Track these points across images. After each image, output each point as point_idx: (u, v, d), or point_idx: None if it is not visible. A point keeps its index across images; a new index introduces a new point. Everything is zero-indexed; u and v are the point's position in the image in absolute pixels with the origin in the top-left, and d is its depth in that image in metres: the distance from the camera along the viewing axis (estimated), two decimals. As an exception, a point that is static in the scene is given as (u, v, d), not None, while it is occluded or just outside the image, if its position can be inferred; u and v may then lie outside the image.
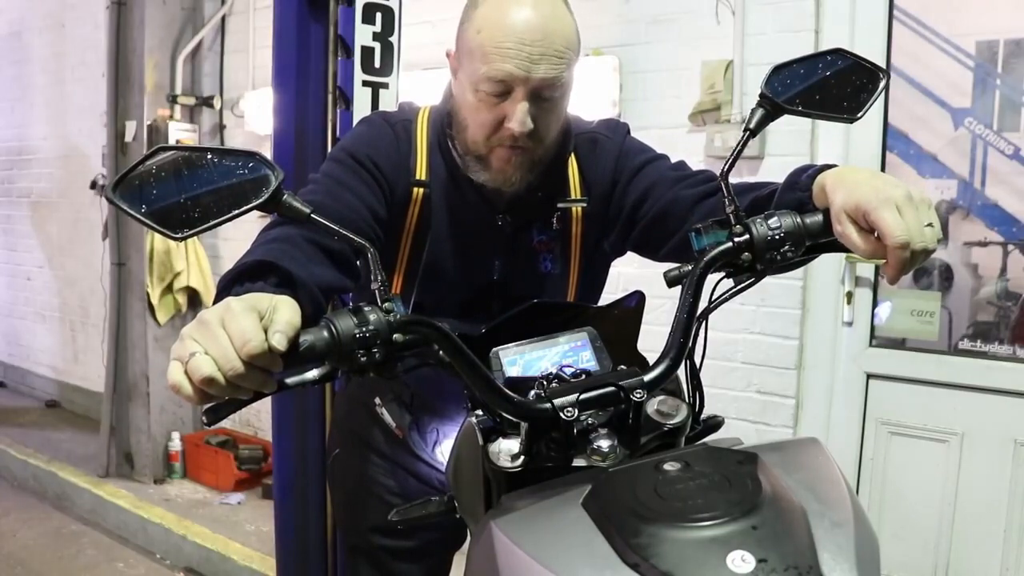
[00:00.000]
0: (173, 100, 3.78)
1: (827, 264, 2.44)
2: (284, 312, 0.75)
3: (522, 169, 1.21)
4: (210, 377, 0.71)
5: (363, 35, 2.05)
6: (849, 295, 2.44)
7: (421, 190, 1.27)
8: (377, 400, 1.42)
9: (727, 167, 0.97)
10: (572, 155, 1.31)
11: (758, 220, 0.94)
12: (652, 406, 0.89)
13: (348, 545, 1.57)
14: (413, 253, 1.30)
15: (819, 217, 0.94)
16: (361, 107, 2.06)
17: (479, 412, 0.90)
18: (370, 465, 1.45)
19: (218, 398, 0.74)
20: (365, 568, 1.47)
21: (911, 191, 0.89)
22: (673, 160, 1.34)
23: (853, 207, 0.88)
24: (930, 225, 0.88)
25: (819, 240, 0.95)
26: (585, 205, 1.32)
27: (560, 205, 1.31)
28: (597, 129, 1.34)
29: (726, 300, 0.99)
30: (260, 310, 0.74)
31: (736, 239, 0.94)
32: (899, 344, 2.44)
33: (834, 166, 1.00)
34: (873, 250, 0.89)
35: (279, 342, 0.73)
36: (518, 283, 1.31)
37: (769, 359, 2.55)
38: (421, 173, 1.28)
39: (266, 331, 0.73)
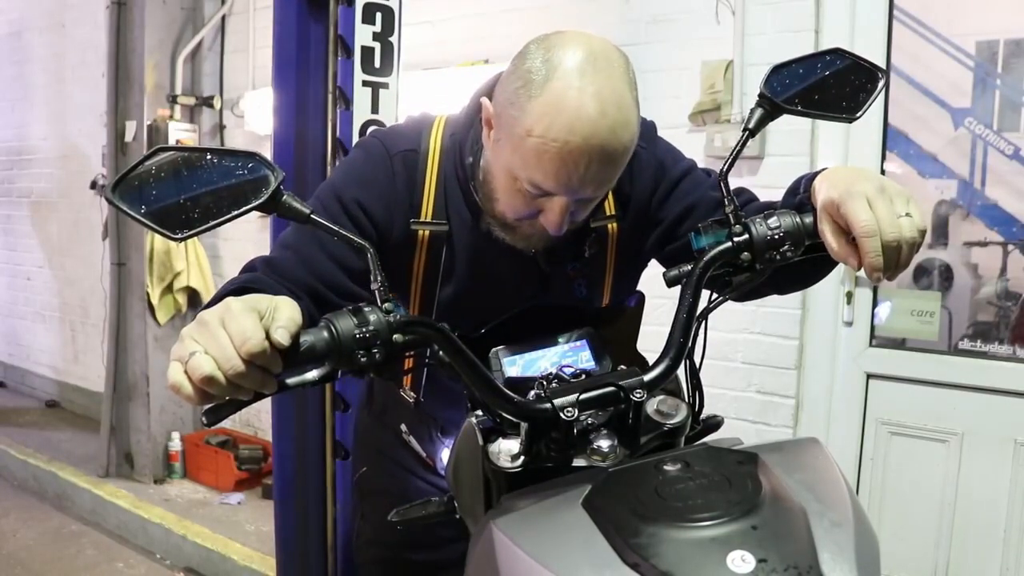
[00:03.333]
0: (173, 100, 3.78)
1: (827, 264, 2.44)
2: (285, 310, 0.75)
3: (551, 239, 1.13)
4: (210, 376, 0.70)
5: (363, 35, 2.05)
6: (849, 295, 2.44)
7: (427, 231, 1.18)
8: (404, 428, 1.39)
9: (726, 167, 0.97)
10: None
11: (757, 220, 0.94)
12: (652, 406, 0.89)
13: (369, 559, 1.52)
14: (425, 293, 1.22)
15: (814, 217, 0.94)
16: (361, 107, 2.06)
17: (479, 412, 0.90)
18: (407, 484, 1.41)
19: (218, 398, 0.74)
20: None
21: (887, 184, 0.89)
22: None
23: (828, 203, 0.89)
24: (908, 216, 0.87)
25: (818, 240, 0.95)
26: (620, 221, 1.24)
27: (594, 225, 1.21)
28: None
29: (725, 300, 0.99)
30: (260, 310, 0.74)
31: (736, 239, 0.94)
32: (899, 344, 2.44)
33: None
34: (845, 252, 0.89)
35: (282, 336, 0.73)
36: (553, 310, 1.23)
37: (769, 359, 2.55)
38: (427, 211, 1.18)
39: (267, 331, 0.73)
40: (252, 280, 1.01)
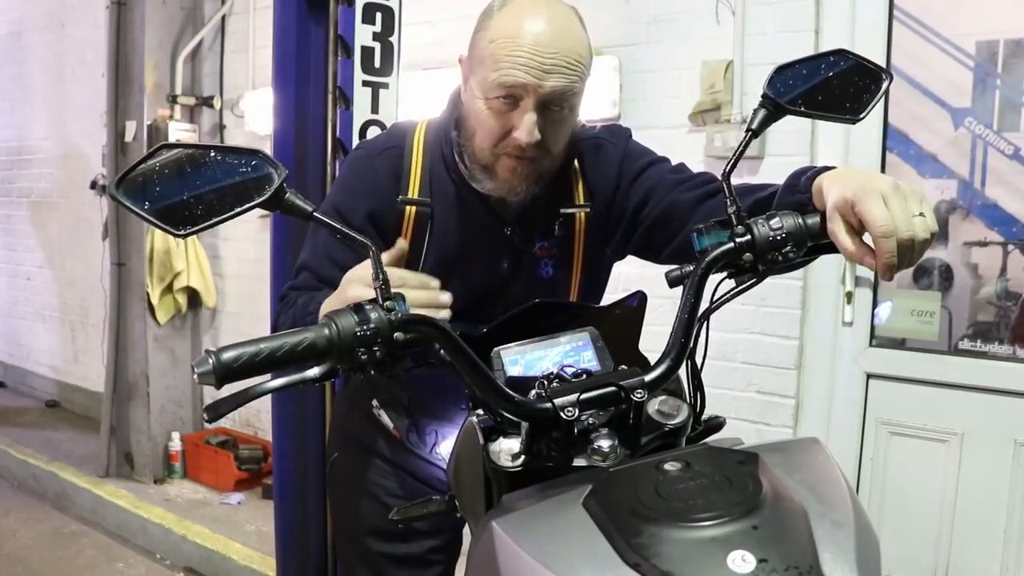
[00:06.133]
0: (173, 100, 3.78)
1: (827, 264, 2.44)
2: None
3: (527, 180, 1.21)
4: None
5: (363, 35, 2.05)
6: (849, 295, 2.44)
7: (413, 208, 1.28)
8: (375, 402, 1.41)
9: (729, 168, 0.97)
10: (576, 161, 1.31)
11: (760, 221, 0.94)
12: (653, 406, 0.89)
13: (345, 552, 1.55)
14: (409, 267, 1.30)
15: (819, 218, 0.94)
16: (361, 107, 2.07)
17: (480, 412, 0.90)
18: (369, 467, 1.44)
19: None
20: None
21: (900, 183, 0.89)
22: (674, 162, 1.33)
23: (842, 202, 0.89)
24: (921, 215, 0.88)
25: (820, 241, 0.95)
26: (588, 211, 1.31)
27: (564, 211, 1.30)
28: (600, 135, 1.34)
29: (727, 301, 0.99)
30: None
31: (738, 239, 0.94)
32: (899, 344, 2.44)
33: (833, 167, 1.00)
34: (859, 252, 0.89)
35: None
36: (519, 288, 1.31)
37: (769, 359, 2.55)
38: (413, 191, 1.28)
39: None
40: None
